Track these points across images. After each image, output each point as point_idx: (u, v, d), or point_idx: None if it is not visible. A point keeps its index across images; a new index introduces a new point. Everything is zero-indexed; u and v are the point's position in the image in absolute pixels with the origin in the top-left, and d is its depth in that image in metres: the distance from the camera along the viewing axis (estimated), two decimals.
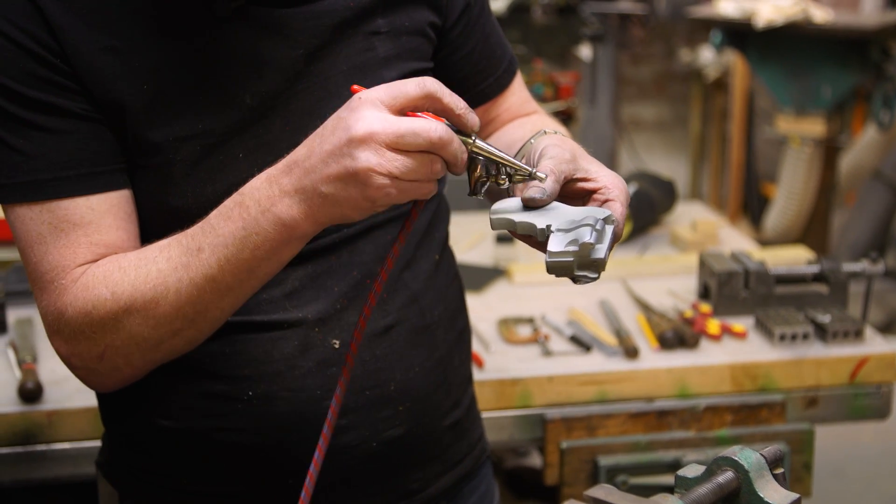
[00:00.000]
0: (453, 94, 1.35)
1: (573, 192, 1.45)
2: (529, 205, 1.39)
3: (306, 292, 1.63)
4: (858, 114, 6.11)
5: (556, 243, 1.35)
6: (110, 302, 1.50)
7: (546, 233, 1.36)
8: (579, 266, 1.34)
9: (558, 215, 1.38)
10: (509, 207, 1.41)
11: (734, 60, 6.15)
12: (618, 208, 1.42)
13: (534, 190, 1.38)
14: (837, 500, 4.32)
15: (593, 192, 1.44)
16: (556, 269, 1.35)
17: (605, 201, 1.43)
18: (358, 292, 1.66)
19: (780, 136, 5.57)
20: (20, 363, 2.38)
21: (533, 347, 2.55)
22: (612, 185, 1.44)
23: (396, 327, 1.69)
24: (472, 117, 1.36)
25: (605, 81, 4.52)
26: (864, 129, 6.17)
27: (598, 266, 1.35)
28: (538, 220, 1.38)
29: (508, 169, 1.40)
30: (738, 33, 5.14)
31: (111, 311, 1.50)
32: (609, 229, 1.38)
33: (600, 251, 1.34)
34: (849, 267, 2.72)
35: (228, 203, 1.44)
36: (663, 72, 7.06)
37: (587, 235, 1.34)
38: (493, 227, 1.43)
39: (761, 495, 1.31)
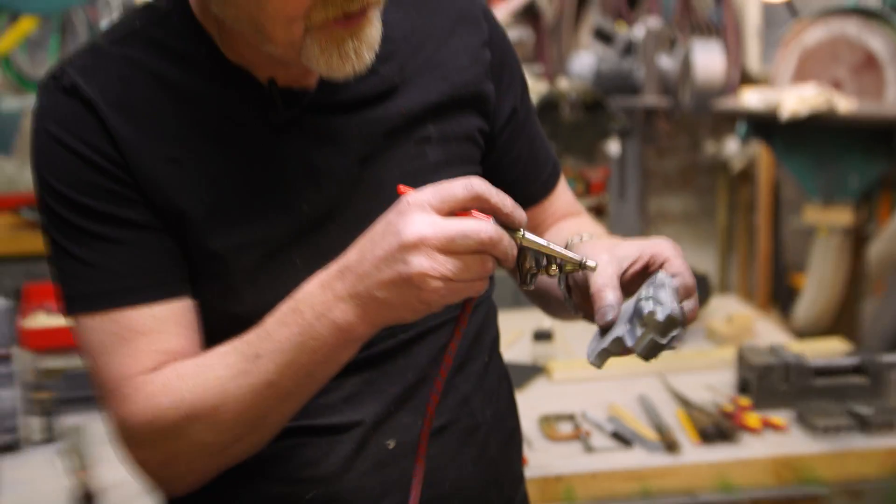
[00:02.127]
0: (500, 192, 1.36)
1: (631, 281, 1.48)
2: (608, 327, 1.43)
3: (363, 396, 1.65)
4: (885, 202, 6.14)
5: (630, 337, 1.40)
6: (171, 411, 1.51)
7: (629, 339, 1.41)
8: (661, 334, 1.39)
9: (626, 313, 1.43)
10: (596, 341, 1.45)
11: (759, 151, 6.18)
12: (672, 264, 1.47)
13: (602, 312, 1.43)
14: None
15: (646, 269, 1.48)
16: (647, 355, 1.40)
17: (659, 267, 1.47)
18: (412, 394, 1.68)
19: (807, 226, 5.58)
20: (74, 470, 2.40)
21: (575, 444, 2.57)
22: (655, 252, 1.49)
23: (449, 428, 1.71)
24: (519, 213, 1.37)
25: (632, 175, 4.56)
26: (891, 217, 6.19)
27: (674, 323, 1.38)
28: (619, 330, 1.42)
29: (558, 260, 1.42)
30: (763, 125, 5.16)
31: (172, 419, 1.51)
32: (663, 289, 1.41)
33: (662, 312, 1.38)
34: (888, 358, 2.74)
35: (283, 309, 1.45)
36: (689, 164, 7.09)
37: (645, 309, 1.39)
38: (599, 367, 1.46)
39: None
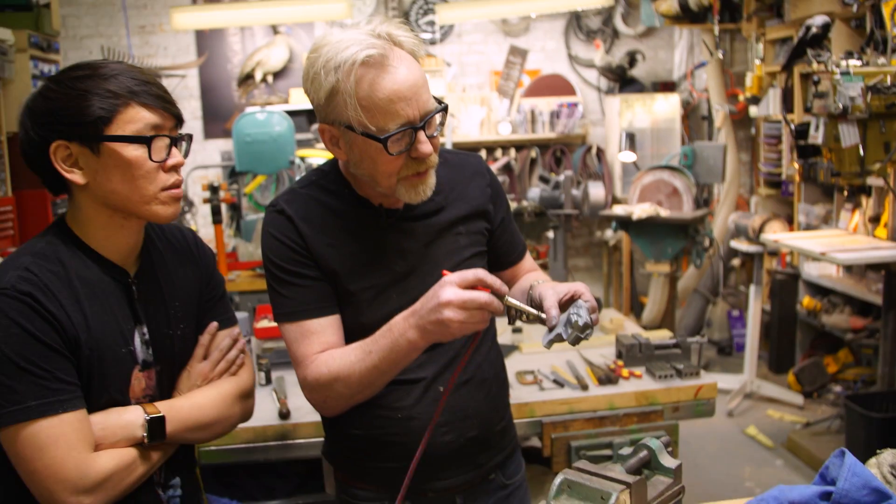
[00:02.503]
0: (494, 277, 1.36)
1: (565, 304, 1.44)
2: (553, 328, 1.40)
3: (426, 364, 1.60)
4: (685, 261, 6.06)
5: (564, 333, 1.38)
6: (326, 375, 1.50)
7: (564, 334, 1.39)
8: (581, 332, 1.37)
9: (562, 321, 1.40)
10: (546, 335, 1.41)
11: (623, 235, 6.14)
12: (585, 296, 1.44)
13: (550, 321, 1.40)
14: (688, 459, 4.21)
15: (572, 297, 1.44)
16: (573, 343, 1.38)
17: (579, 297, 1.43)
18: (452, 362, 1.63)
19: (647, 273, 5.52)
20: (278, 399, 2.35)
21: (534, 386, 2.49)
22: (577, 289, 1.45)
23: (472, 380, 1.65)
24: (504, 288, 1.36)
25: (560, 248, 4.50)
26: (688, 268, 6.12)
27: (587, 326, 1.38)
28: (559, 330, 1.40)
29: (527, 314, 1.40)
30: (624, 222, 5.12)
31: (326, 380, 1.50)
32: (581, 309, 1.39)
33: (581, 320, 1.37)
34: (691, 340, 2.67)
35: (384, 329, 1.45)
36: (588, 242, 7.04)
37: (572, 319, 1.38)
38: (548, 349, 1.42)
39: (662, 462, 1.27)
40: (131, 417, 1.38)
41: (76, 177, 1.36)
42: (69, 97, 1.32)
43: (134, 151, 1.34)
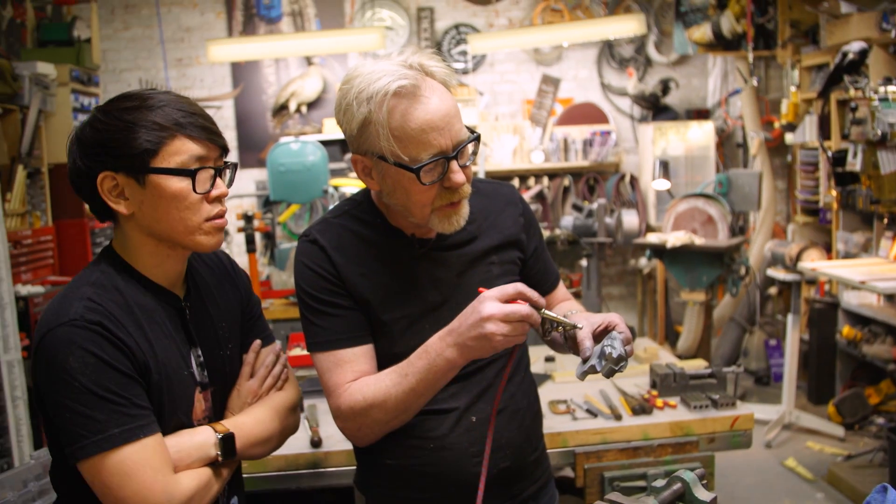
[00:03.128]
0: (532, 290, 1.37)
1: (599, 335, 1.44)
2: (586, 359, 1.40)
3: (459, 394, 1.60)
4: (720, 290, 6.00)
5: (598, 365, 1.39)
6: (361, 403, 1.49)
7: (598, 367, 1.39)
8: (615, 364, 1.38)
9: (596, 352, 1.40)
10: (580, 366, 1.41)
11: (657, 263, 6.09)
12: (620, 327, 1.44)
13: (584, 352, 1.40)
14: (724, 492, 4.13)
15: (606, 328, 1.44)
16: (607, 375, 1.38)
17: (613, 328, 1.44)
18: (484, 392, 1.63)
19: (682, 301, 5.47)
20: (310, 427, 2.36)
21: (567, 416, 2.47)
22: (611, 320, 1.45)
23: (505, 410, 1.64)
24: (542, 301, 1.37)
25: (594, 277, 4.48)
26: (724, 296, 6.05)
27: (622, 358, 1.38)
28: (593, 361, 1.40)
29: (563, 325, 1.40)
30: (658, 250, 5.09)
31: (360, 407, 1.50)
32: (616, 341, 1.40)
33: (615, 352, 1.38)
34: (727, 370, 2.64)
35: (419, 350, 1.45)
36: (622, 271, 6.98)
37: (606, 351, 1.38)
38: (582, 380, 1.42)
39: (697, 495, 1.26)
40: (203, 438, 1.41)
41: (122, 207, 1.38)
42: (116, 129, 1.34)
43: (178, 184, 1.36)
